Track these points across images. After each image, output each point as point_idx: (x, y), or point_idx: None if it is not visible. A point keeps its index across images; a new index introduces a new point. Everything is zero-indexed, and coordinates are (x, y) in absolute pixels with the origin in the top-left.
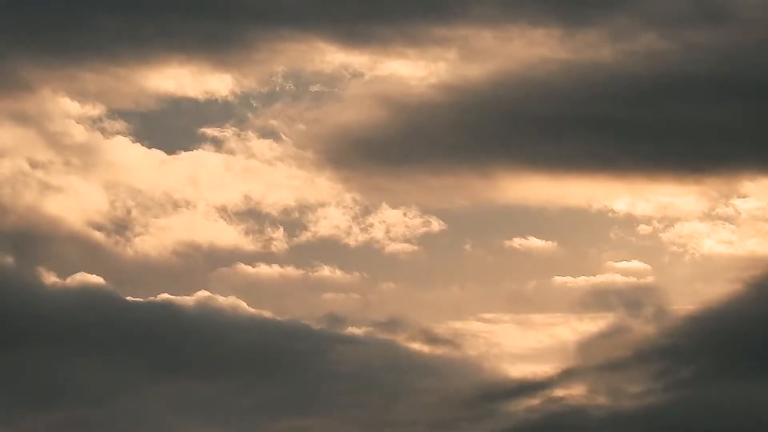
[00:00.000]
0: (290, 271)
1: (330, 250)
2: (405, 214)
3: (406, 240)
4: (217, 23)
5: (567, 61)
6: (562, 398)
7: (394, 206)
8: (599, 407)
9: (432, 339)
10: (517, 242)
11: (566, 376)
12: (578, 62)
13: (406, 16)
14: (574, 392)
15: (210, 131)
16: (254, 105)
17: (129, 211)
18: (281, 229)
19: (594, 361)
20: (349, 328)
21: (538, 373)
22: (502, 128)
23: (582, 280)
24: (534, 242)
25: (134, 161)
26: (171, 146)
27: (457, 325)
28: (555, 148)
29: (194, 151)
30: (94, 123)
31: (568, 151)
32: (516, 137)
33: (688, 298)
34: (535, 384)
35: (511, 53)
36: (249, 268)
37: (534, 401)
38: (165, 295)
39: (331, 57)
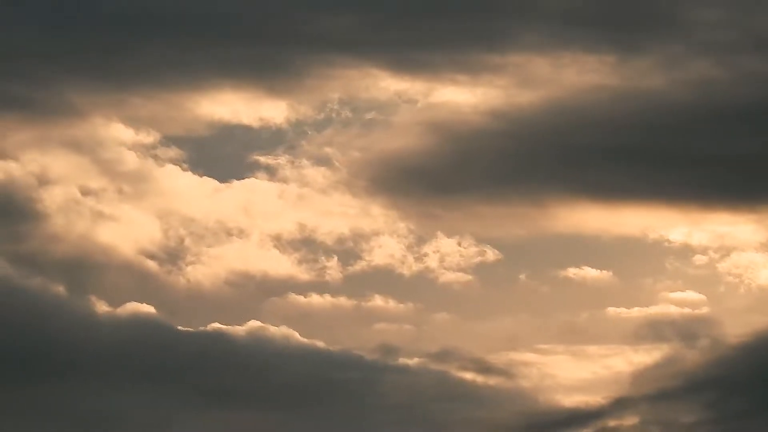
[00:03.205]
0: (343, 300)
1: (384, 279)
2: (459, 244)
3: (461, 269)
4: (271, 49)
5: (620, 89)
6: (614, 429)
7: (448, 235)
8: None
9: (485, 369)
10: (571, 272)
11: (619, 406)
12: (631, 90)
13: (459, 43)
14: (627, 423)
15: (263, 159)
16: (308, 132)
17: (182, 240)
18: (335, 258)
19: (647, 392)
20: (402, 358)
21: (590, 403)
22: (555, 156)
23: (636, 311)
24: (588, 272)
25: (187, 189)
26: (224, 174)
27: (511, 355)
28: (609, 177)
29: (247, 179)
30: (147, 150)
31: (623, 180)
32: (569, 165)
33: (743, 329)
34: (587, 414)
35: (564, 81)
36: (301, 298)
37: (586, 431)
38: (216, 325)
39: (385, 84)
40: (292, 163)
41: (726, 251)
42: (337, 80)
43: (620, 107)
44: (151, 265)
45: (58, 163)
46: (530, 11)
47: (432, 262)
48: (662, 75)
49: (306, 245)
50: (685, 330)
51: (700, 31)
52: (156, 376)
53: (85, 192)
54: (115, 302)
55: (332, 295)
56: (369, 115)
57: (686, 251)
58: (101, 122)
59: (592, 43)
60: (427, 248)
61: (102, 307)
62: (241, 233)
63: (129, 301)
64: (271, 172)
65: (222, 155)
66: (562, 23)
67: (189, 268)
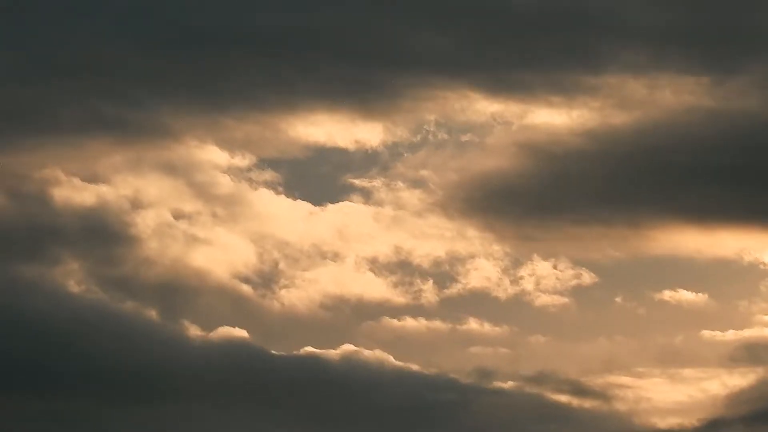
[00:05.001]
0: (437, 324)
1: (479, 302)
2: (555, 266)
3: (557, 292)
4: (366, 70)
5: (715, 110)
6: None
7: (544, 258)
8: None
9: (580, 392)
10: (667, 294)
11: (714, 428)
12: (727, 110)
13: (554, 64)
14: None
15: (358, 181)
16: (403, 154)
17: (276, 264)
18: (431, 281)
19: (742, 414)
20: (497, 381)
21: (685, 426)
22: (650, 177)
23: (731, 334)
24: (684, 295)
25: (282, 212)
26: (319, 197)
27: (606, 378)
28: (705, 198)
29: (342, 202)
30: (241, 173)
31: (718, 202)
32: (665, 187)
33: None
34: None
35: (659, 102)
36: (395, 321)
37: None
38: (309, 349)
39: (479, 105)
40: (387, 185)
41: None
42: (433, 101)
43: (716, 128)
44: (245, 289)
45: (152, 186)
46: (625, 32)
47: (528, 284)
48: (758, 95)
49: (401, 268)
50: None
51: None
52: (249, 401)
53: (179, 215)
54: (208, 327)
55: (427, 319)
56: (464, 137)
57: None
58: (195, 144)
59: (688, 64)
60: (522, 271)
61: (194, 332)
62: (336, 257)
63: (222, 325)
64: (366, 195)
65: (317, 178)
66: (657, 44)
67: (283, 292)
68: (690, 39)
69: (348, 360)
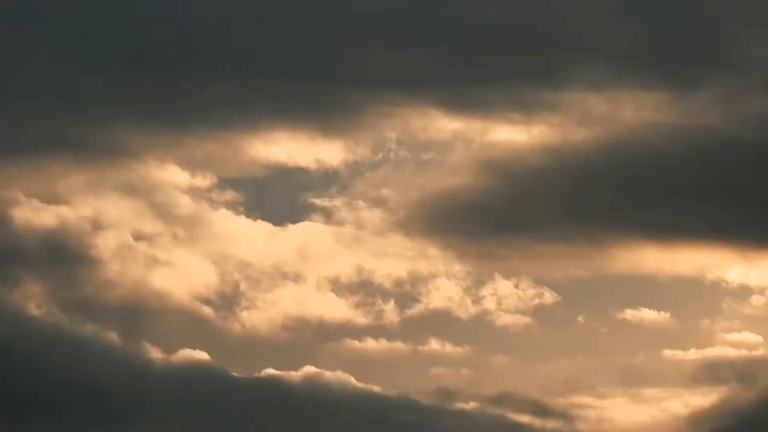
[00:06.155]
0: (399, 344)
1: (441, 322)
2: (517, 286)
3: (519, 311)
4: (326, 88)
5: (677, 126)
6: None
7: (506, 277)
8: None
9: (543, 412)
10: (629, 313)
11: None
12: (688, 126)
13: (514, 81)
14: None
15: (319, 201)
16: (364, 173)
17: (237, 285)
18: (392, 301)
19: None
20: (459, 402)
21: None
22: (611, 195)
23: (693, 353)
24: (646, 313)
25: (242, 233)
26: (280, 217)
27: (569, 398)
28: (666, 216)
29: (304, 221)
30: (201, 193)
31: (680, 219)
32: (626, 204)
33: None
34: None
35: (620, 118)
36: (356, 342)
37: None
38: (271, 371)
39: (440, 122)
40: (348, 204)
41: None
42: (394, 119)
43: (677, 144)
44: (206, 310)
45: (112, 207)
46: (585, 48)
47: (489, 304)
48: (719, 111)
49: (363, 288)
50: (742, 372)
51: (756, 67)
52: (211, 423)
53: (139, 237)
54: (169, 349)
55: (388, 339)
56: (425, 155)
57: (744, 292)
58: (155, 164)
59: (648, 80)
60: (484, 290)
61: (156, 354)
62: (297, 277)
63: (183, 347)
64: (327, 215)
65: (277, 198)
66: (617, 60)
67: (244, 314)
68: (650, 55)
69: (309, 381)
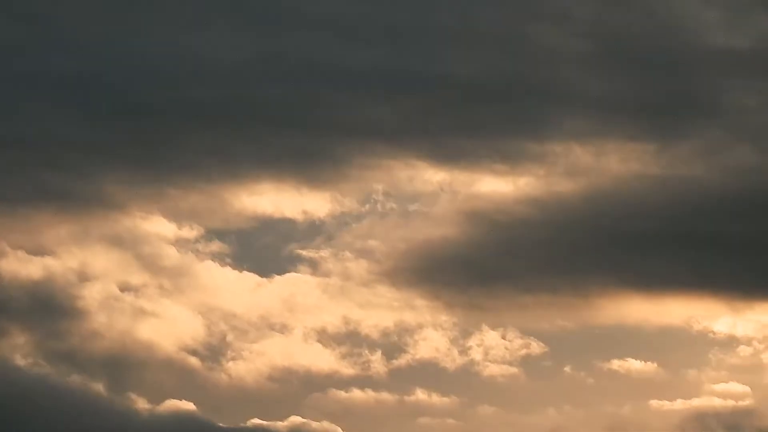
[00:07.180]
0: (385, 395)
1: (428, 373)
2: (503, 336)
3: (506, 362)
4: (311, 139)
5: (661, 177)
6: None
7: (493, 327)
8: None
9: None
10: (615, 364)
11: None
12: (673, 177)
13: (499, 133)
14: None
15: (305, 252)
16: (350, 224)
17: (224, 336)
18: (379, 352)
19: None
20: None
21: None
22: (597, 245)
23: (680, 403)
24: (633, 364)
25: (229, 284)
26: (266, 268)
27: None
28: (652, 266)
29: (290, 273)
30: (187, 244)
31: (666, 269)
32: (612, 255)
33: None
34: None
35: (605, 169)
36: (343, 393)
37: None
38: (257, 421)
39: (426, 174)
40: (335, 255)
41: None
42: (380, 171)
43: (662, 195)
44: (193, 361)
45: (98, 258)
46: (570, 99)
47: (476, 354)
48: (703, 162)
49: (349, 339)
50: (729, 422)
51: (740, 118)
52: None
53: (125, 288)
54: (155, 399)
55: (375, 390)
56: (411, 206)
57: (730, 342)
58: (141, 216)
59: (633, 131)
60: (471, 341)
61: (142, 405)
62: (284, 328)
63: (169, 398)
64: (314, 266)
65: (263, 249)
66: (602, 111)
67: (230, 364)
68: (635, 106)
69: None
